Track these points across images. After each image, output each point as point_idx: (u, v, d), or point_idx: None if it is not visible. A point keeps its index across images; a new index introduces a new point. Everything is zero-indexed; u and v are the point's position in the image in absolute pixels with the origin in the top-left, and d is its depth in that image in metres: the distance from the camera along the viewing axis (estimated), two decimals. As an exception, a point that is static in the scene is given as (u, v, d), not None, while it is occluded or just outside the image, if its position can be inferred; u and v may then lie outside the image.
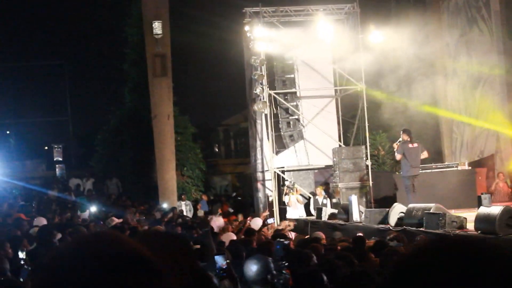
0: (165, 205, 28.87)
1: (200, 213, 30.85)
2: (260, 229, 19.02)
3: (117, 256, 1.90)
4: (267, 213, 25.03)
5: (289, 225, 21.09)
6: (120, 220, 21.70)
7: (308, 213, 25.91)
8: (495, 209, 14.15)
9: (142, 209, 29.22)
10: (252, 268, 6.87)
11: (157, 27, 30.20)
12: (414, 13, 29.00)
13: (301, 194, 26.88)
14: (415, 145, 21.96)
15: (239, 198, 37.83)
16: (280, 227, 20.27)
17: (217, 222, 21.63)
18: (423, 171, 23.75)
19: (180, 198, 30.86)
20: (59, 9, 43.12)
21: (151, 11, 30.70)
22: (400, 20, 27.11)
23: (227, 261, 7.31)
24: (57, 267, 1.88)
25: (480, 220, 14.26)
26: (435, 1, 30.66)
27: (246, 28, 28.16)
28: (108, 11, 39.67)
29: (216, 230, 19.27)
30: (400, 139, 22.14)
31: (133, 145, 36.54)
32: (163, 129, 31.00)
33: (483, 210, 14.70)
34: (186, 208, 30.18)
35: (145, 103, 32.41)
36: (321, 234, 15.44)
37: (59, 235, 14.85)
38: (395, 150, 22.45)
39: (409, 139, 21.87)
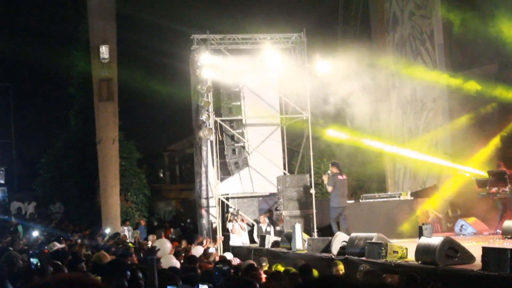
0: (107, 230, 28.65)
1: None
2: (200, 257, 18.96)
3: None
4: (207, 241, 24.95)
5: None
6: (63, 245, 21.46)
7: (252, 240, 25.92)
8: (436, 240, 14.34)
9: (85, 234, 28.94)
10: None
11: (104, 51, 30.10)
12: (359, 44, 29.38)
13: (243, 220, 26.86)
14: (344, 177, 22.87)
15: (183, 224, 37.69)
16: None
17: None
18: (366, 200, 24.02)
19: (123, 223, 30.65)
20: (5, 31, 42.72)
21: (98, 36, 30.59)
22: (346, 51, 27.40)
23: None
24: None
25: (421, 251, 14.43)
26: (381, 33, 31.11)
27: (193, 55, 28.22)
28: (56, 34, 39.43)
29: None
30: (329, 171, 22.98)
31: (77, 169, 36.25)
32: (107, 153, 30.81)
33: (423, 240, 14.88)
34: (129, 233, 29.97)
35: (91, 127, 32.20)
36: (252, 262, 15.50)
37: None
38: (325, 182, 23.06)
39: (338, 171, 22.68)
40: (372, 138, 27.82)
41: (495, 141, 24.89)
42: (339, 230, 21.04)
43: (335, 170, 22.84)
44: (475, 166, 24.84)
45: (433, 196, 26.75)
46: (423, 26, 28.58)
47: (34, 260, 14.34)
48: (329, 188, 22.75)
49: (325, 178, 23.08)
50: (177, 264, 15.54)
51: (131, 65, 35.49)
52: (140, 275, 8.93)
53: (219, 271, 9.98)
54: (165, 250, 20.47)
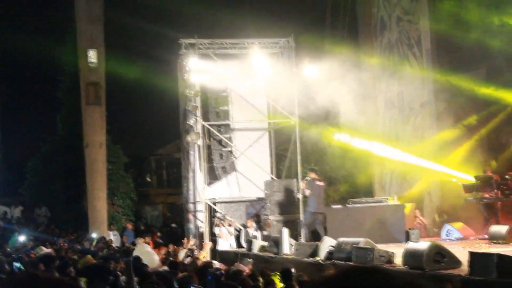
0: (94, 235, 28.58)
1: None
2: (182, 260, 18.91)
3: None
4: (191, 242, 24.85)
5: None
6: (49, 250, 21.38)
7: (239, 245, 25.91)
8: (423, 245, 14.36)
9: (72, 238, 28.86)
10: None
11: (92, 55, 30.07)
12: (347, 48, 29.43)
13: (230, 225, 26.84)
14: (322, 183, 23.61)
15: (168, 229, 37.61)
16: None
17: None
18: (353, 205, 24.04)
19: (109, 228, 30.60)
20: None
21: (86, 40, 30.58)
22: (334, 55, 27.44)
23: None
24: None
25: (408, 255, 14.45)
26: (368, 38, 31.17)
27: (182, 59, 28.22)
28: (44, 38, 39.35)
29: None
30: (308, 177, 23.52)
31: (64, 173, 36.16)
32: (95, 157, 30.77)
33: (411, 245, 14.91)
34: (114, 238, 29.91)
35: (78, 131, 32.14)
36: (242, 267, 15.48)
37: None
38: (302, 187, 23.41)
39: (316, 177, 23.36)
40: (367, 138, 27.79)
41: (471, 143, 25.02)
42: (313, 234, 21.44)
43: (313, 175, 23.49)
44: (450, 166, 25.00)
45: (419, 201, 26.80)
46: (411, 32, 28.64)
47: (17, 264, 14.30)
48: (307, 192, 23.25)
49: (303, 184, 23.47)
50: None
51: (118, 69, 35.43)
52: (123, 279, 8.91)
53: (212, 276, 9.99)
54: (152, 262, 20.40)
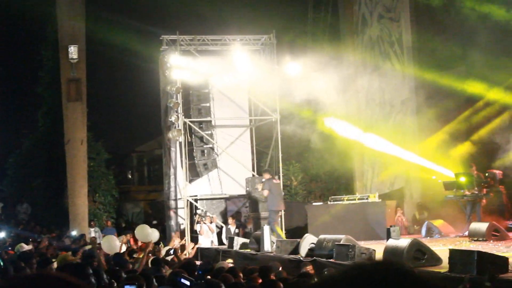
0: (74, 232, 28.47)
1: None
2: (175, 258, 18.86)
3: None
4: (176, 241, 24.84)
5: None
6: (30, 247, 21.30)
7: (220, 242, 25.92)
8: (403, 242, 14.43)
9: (53, 235, 28.75)
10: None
11: (73, 51, 29.94)
12: (329, 46, 29.50)
13: (211, 222, 26.81)
14: (278, 180, 24.07)
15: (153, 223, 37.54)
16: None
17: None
18: (334, 202, 24.13)
19: (89, 225, 30.50)
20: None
21: (67, 36, 30.44)
22: (316, 52, 27.48)
23: None
24: None
25: (389, 252, 14.50)
26: (350, 35, 31.22)
27: (163, 55, 28.18)
28: (24, 33, 39.16)
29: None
30: (263, 179, 23.68)
31: (45, 170, 36.01)
32: (76, 154, 30.64)
33: (391, 242, 14.97)
34: (96, 235, 29.82)
35: (59, 128, 31.98)
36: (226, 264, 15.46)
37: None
38: (259, 189, 23.61)
39: (271, 177, 23.63)
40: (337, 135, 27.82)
41: (441, 136, 25.21)
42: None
43: (268, 176, 23.63)
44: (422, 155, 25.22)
45: (400, 199, 26.89)
46: (392, 29, 28.70)
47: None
48: (265, 192, 23.27)
49: (259, 186, 23.67)
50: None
51: (100, 65, 35.31)
52: (105, 276, 8.88)
53: (203, 270, 10.00)
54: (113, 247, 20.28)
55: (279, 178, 26.83)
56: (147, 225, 20.12)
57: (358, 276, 1.57)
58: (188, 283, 8.22)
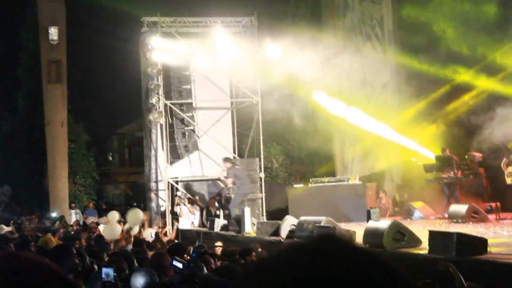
0: (54, 214, 28.43)
1: (88, 221, 30.46)
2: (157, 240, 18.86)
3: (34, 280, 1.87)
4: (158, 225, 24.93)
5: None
6: (10, 228, 21.28)
7: (201, 223, 25.96)
8: (383, 224, 14.50)
9: (33, 217, 28.70)
10: (138, 281, 6.92)
11: (53, 33, 29.80)
12: (310, 28, 29.46)
13: (192, 204, 26.81)
14: (240, 166, 24.21)
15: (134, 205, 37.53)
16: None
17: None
18: (315, 184, 24.20)
19: (70, 207, 30.46)
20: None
21: (47, 17, 30.28)
22: (297, 35, 27.45)
23: (115, 274, 7.20)
24: None
25: (369, 234, 14.57)
26: (331, 18, 31.18)
27: (144, 37, 28.08)
28: (3, 15, 38.91)
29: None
30: (224, 168, 23.96)
31: (25, 152, 35.91)
32: (56, 136, 30.56)
33: (371, 224, 15.03)
34: (76, 216, 29.80)
35: (39, 110, 31.88)
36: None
37: None
38: (222, 178, 24.52)
39: (232, 164, 23.89)
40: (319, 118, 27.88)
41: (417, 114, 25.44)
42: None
43: (229, 164, 23.82)
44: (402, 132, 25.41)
45: (381, 181, 27.01)
46: (373, 12, 28.72)
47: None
48: (229, 181, 23.81)
49: (221, 175, 23.90)
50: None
51: (80, 47, 35.16)
52: (88, 258, 8.89)
53: (197, 253, 10.04)
54: (114, 234, 20.37)
55: (260, 160, 26.93)
56: (139, 210, 20.27)
57: (291, 253, 1.56)
58: (180, 265, 8.22)
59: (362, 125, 26.97)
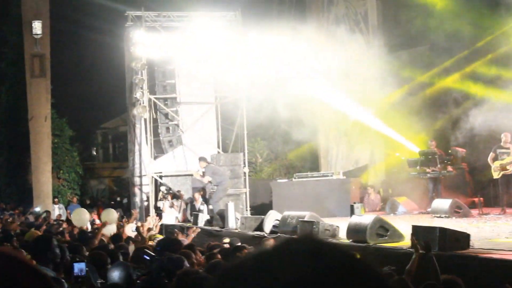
0: (37, 209, 28.32)
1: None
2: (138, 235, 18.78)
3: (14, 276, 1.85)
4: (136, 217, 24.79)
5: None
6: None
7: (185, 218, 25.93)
8: (366, 218, 14.48)
9: (16, 212, 28.59)
10: (115, 275, 6.92)
11: (37, 27, 29.67)
12: (295, 23, 29.43)
13: (176, 199, 26.76)
14: (213, 163, 24.77)
15: (113, 202, 37.45)
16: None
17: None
18: (299, 179, 24.22)
19: (53, 202, 30.37)
20: None
21: (30, 11, 30.15)
22: (282, 30, 27.43)
23: (86, 269, 7.21)
24: None
25: (352, 229, 14.56)
26: (316, 13, 31.20)
27: (128, 31, 28.00)
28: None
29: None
30: (201, 168, 24.13)
31: (9, 146, 35.75)
32: (39, 131, 30.44)
33: (355, 219, 15.02)
34: (60, 211, 29.71)
35: (22, 104, 31.76)
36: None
37: None
38: (198, 178, 24.59)
39: (207, 163, 24.15)
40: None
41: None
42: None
43: (204, 164, 23.99)
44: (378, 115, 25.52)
45: (364, 176, 27.06)
46: (358, 7, 28.76)
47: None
48: (206, 179, 23.89)
49: (197, 175, 24.03)
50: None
51: (64, 41, 35.02)
52: (68, 252, 8.84)
53: (161, 246, 10.07)
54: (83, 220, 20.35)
55: (244, 155, 26.94)
56: (113, 209, 20.23)
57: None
58: (148, 258, 8.30)
59: (345, 110, 27.04)
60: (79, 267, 7.11)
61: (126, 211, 31.04)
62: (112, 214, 21.73)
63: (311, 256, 1.48)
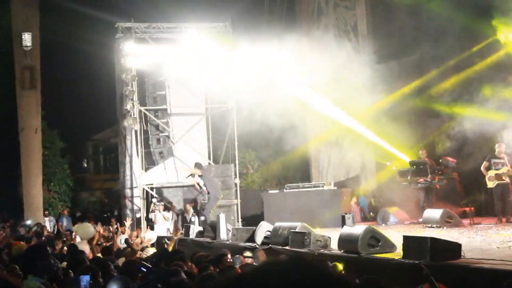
0: (29, 222, 28.21)
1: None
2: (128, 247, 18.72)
3: None
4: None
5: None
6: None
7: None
8: (358, 229, 14.48)
9: (7, 225, 28.48)
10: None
11: (27, 39, 29.62)
12: (285, 33, 29.44)
13: (168, 210, 26.71)
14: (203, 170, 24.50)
15: (106, 215, 37.37)
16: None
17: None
18: (290, 190, 24.21)
19: (44, 214, 30.26)
20: None
21: (21, 23, 30.10)
22: (272, 40, 27.43)
23: (90, 282, 7.25)
24: None
25: (343, 240, 14.55)
26: (305, 23, 31.27)
27: (118, 43, 27.98)
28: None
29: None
30: (196, 175, 24.18)
31: (-2, 158, 35.68)
32: (30, 143, 30.36)
33: (346, 229, 15.01)
34: (50, 224, 29.60)
35: (13, 116, 31.66)
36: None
37: None
38: (195, 185, 24.51)
39: (200, 172, 24.11)
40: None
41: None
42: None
43: (199, 171, 24.15)
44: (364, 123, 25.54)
45: (356, 186, 27.06)
46: (348, 17, 28.83)
47: None
48: (200, 184, 24.04)
49: (195, 181, 23.92)
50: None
51: (54, 53, 34.95)
52: (59, 264, 8.81)
53: (157, 258, 10.08)
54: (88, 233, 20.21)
55: (235, 166, 26.94)
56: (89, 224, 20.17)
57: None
58: (144, 270, 8.33)
59: (338, 121, 27.06)
60: (86, 279, 7.20)
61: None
62: (88, 228, 21.58)
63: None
